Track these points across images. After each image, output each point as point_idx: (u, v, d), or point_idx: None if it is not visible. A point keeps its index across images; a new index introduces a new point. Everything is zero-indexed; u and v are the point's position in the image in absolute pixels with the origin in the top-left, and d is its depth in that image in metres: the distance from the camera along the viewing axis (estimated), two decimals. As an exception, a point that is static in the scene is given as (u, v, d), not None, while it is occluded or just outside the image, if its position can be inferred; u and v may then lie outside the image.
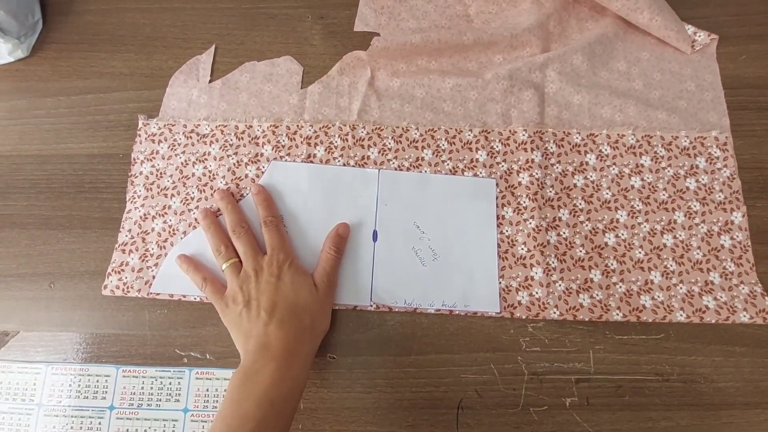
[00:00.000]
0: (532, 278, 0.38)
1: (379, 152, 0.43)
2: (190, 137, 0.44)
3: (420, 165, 0.42)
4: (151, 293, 0.39)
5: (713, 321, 0.37)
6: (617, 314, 0.37)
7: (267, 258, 0.37)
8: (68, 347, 0.39)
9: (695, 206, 0.40)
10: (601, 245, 0.39)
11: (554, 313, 0.37)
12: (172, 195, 0.42)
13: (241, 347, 0.34)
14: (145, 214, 0.41)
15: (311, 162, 0.42)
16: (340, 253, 0.39)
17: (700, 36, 0.46)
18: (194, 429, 0.36)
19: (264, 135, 0.44)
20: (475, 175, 0.42)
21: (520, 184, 0.41)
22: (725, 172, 0.41)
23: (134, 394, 0.37)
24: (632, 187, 0.41)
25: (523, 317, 0.37)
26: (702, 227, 0.39)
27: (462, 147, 0.43)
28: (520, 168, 0.41)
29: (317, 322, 0.35)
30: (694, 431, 0.35)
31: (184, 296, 0.39)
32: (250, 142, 0.43)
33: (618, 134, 0.42)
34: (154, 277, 0.39)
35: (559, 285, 0.38)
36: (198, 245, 0.40)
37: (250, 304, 0.35)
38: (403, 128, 0.43)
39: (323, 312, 0.36)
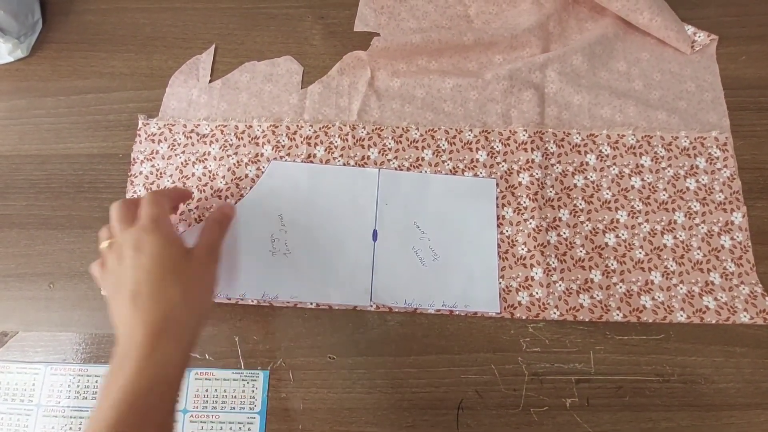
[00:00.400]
0: (533, 278, 0.38)
1: (379, 152, 0.43)
2: (190, 137, 0.44)
3: (420, 165, 0.42)
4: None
5: (714, 321, 0.37)
6: (617, 315, 0.37)
7: (132, 228, 0.31)
8: (67, 347, 0.39)
9: (695, 206, 0.40)
10: (601, 245, 0.39)
11: (554, 313, 0.37)
12: (172, 195, 0.42)
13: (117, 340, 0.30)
14: (144, 214, 0.41)
15: (311, 162, 0.42)
16: (224, 228, 0.36)
17: (699, 36, 0.46)
18: (193, 430, 0.36)
19: (264, 135, 0.44)
20: (476, 175, 0.42)
21: (520, 184, 0.41)
22: (725, 172, 0.41)
23: (133, 394, 0.37)
24: (632, 187, 0.41)
25: (524, 317, 0.37)
26: (702, 227, 0.39)
27: (462, 147, 0.43)
28: (521, 168, 0.41)
29: (192, 296, 0.30)
30: (694, 432, 0.35)
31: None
32: (250, 142, 0.43)
33: (618, 134, 0.42)
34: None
35: (560, 285, 0.38)
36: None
37: (116, 288, 0.30)
38: (403, 128, 0.43)
39: (200, 284, 0.32)
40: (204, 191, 0.42)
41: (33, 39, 0.49)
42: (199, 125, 0.44)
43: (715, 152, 0.41)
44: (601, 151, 0.42)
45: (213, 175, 0.42)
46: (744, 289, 0.37)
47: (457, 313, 0.38)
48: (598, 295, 0.37)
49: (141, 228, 0.31)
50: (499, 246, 0.39)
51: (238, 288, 0.38)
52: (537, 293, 0.38)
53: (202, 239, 0.34)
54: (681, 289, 0.38)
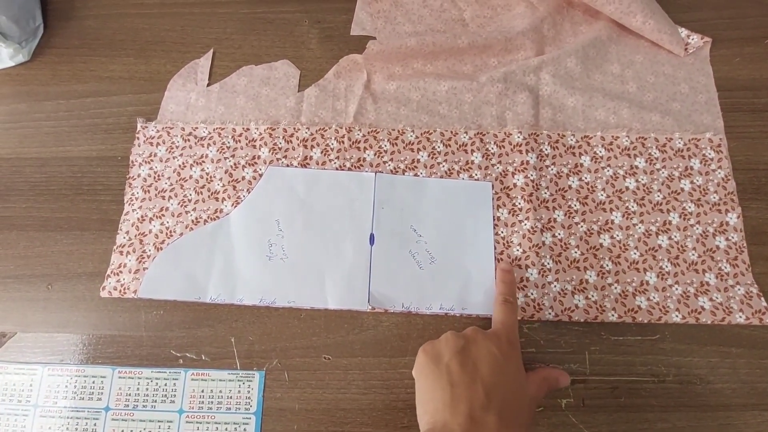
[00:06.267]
0: (528, 279, 0.38)
1: (375, 154, 0.43)
2: (188, 140, 0.44)
3: (416, 167, 0.42)
4: (140, 296, 0.39)
5: (709, 322, 0.37)
6: (612, 315, 0.37)
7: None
8: (65, 348, 0.39)
9: (690, 207, 0.40)
10: (596, 246, 0.39)
11: (549, 314, 0.37)
12: (170, 197, 0.42)
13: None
14: (142, 216, 0.42)
15: (308, 164, 0.43)
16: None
17: (693, 39, 0.46)
18: (189, 430, 0.36)
19: (261, 137, 0.44)
20: (471, 176, 0.42)
21: (515, 185, 0.41)
22: (720, 173, 0.41)
23: (129, 395, 0.37)
24: (627, 188, 0.41)
25: (519, 318, 0.37)
26: (697, 228, 0.39)
27: (457, 149, 0.43)
28: (515, 170, 0.42)
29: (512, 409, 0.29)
30: (690, 433, 0.35)
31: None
32: (247, 144, 0.44)
33: (612, 136, 0.43)
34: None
35: (555, 286, 0.38)
36: (188, 248, 0.40)
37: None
38: (398, 130, 0.44)
39: (516, 389, 0.30)
40: (201, 193, 0.42)
41: (34, 44, 0.50)
42: (197, 128, 0.45)
43: (710, 153, 0.42)
44: (595, 152, 0.42)
45: (210, 177, 0.43)
46: (739, 289, 0.37)
47: (453, 314, 0.38)
48: (593, 296, 0.38)
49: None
50: (494, 247, 0.39)
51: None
52: (532, 294, 0.38)
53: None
54: (676, 289, 0.38)
